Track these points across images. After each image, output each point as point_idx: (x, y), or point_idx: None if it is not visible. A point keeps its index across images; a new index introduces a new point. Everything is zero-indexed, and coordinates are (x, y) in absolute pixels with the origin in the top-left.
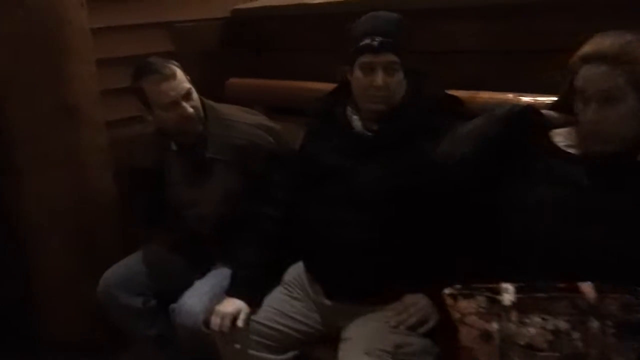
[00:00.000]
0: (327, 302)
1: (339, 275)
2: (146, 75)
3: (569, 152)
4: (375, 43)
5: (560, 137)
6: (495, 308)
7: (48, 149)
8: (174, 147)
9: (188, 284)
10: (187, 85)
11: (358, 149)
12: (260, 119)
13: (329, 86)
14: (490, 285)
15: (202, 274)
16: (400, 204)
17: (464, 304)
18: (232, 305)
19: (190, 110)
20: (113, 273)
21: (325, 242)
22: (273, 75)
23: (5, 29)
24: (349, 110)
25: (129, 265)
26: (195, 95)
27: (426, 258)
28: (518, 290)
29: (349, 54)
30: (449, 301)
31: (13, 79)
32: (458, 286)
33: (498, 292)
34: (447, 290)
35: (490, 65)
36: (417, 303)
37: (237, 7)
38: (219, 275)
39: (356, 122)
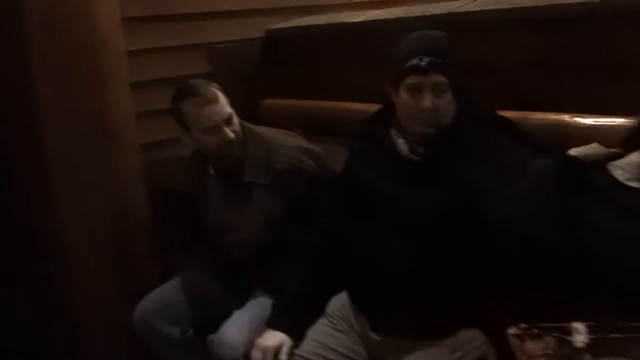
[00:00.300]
0: (374, 335)
1: (387, 308)
2: (188, 97)
3: (631, 186)
4: (423, 64)
5: (619, 170)
6: (565, 350)
7: (85, 172)
8: (211, 171)
9: (227, 313)
10: (229, 109)
11: (407, 174)
12: (300, 141)
13: (367, 107)
14: (560, 325)
15: (240, 303)
16: (453, 232)
17: (532, 346)
18: (274, 338)
19: (232, 135)
20: (150, 301)
21: (372, 272)
22: (310, 95)
23: (54, 53)
24: (393, 133)
25: (166, 293)
26: (236, 119)
27: (482, 290)
28: (591, 331)
29: (393, 74)
30: (515, 342)
31: (55, 104)
32: (523, 325)
33: (568, 332)
34: (512, 330)
35: (542, 83)
36: (473, 340)
37: (271, 27)
38: (258, 305)
39: (402, 145)
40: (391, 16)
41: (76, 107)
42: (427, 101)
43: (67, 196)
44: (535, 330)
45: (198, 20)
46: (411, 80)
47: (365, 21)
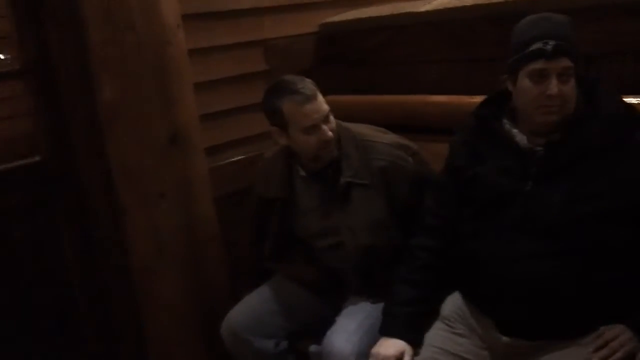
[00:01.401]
0: (504, 338)
1: (518, 311)
2: (287, 95)
3: None
4: (548, 47)
5: None
6: None
7: (152, 181)
8: (301, 172)
9: (323, 322)
10: (327, 106)
11: (534, 168)
12: (395, 137)
13: (438, 99)
14: None
15: (336, 310)
16: (591, 231)
17: None
18: (393, 346)
19: (330, 133)
20: (240, 314)
21: (500, 276)
22: (370, 90)
23: (117, 54)
24: (505, 123)
25: (255, 304)
26: (332, 117)
27: (625, 288)
28: None
29: (511, 61)
30: None
31: (118, 109)
32: None
33: None
34: None
35: None
36: (619, 336)
37: (325, 21)
38: (362, 312)
39: (519, 136)
40: (460, 4)
41: (140, 112)
42: (553, 87)
43: (135, 209)
44: None
45: (254, 16)
46: (535, 65)
47: (438, 10)
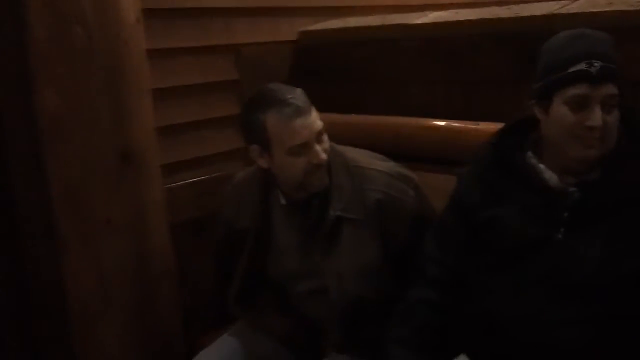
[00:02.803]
0: None
1: None
2: (273, 106)
3: None
4: (594, 70)
5: None
6: None
7: (100, 206)
8: (282, 200)
9: None
10: (321, 122)
11: (565, 213)
12: (396, 165)
13: (429, 122)
14: None
15: None
16: (633, 293)
17: None
18: None
19: (324, 155)
20: None
21: (520, 340)
22: (354, 110)
23: (62, 54)
24: (531, 157)
25: (218, 354)
26: (326, 136)
27: None
28: None
29: (544, 83)
30: None
31: (66, 119)
32: None
33: None
34: None
35: None
36: None
37: (305, 29)
38: None
39: (548, 174)
40: (462, 18)
41: (88, 123)
42: (597, 118)
43: (77, 238)
44: None
45: (225, 17)
46: (577, 90)
47: (435, 23)
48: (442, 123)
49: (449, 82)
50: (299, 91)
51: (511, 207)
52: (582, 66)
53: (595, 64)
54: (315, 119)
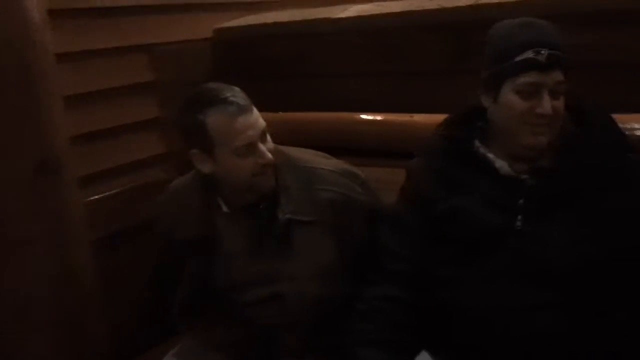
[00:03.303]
0: None
1: None
2: (214, 106)
3: None
4: (542, 58)
5: None
6: None
7: (16, 223)
8: (224, 208)
9: None
10: (263, 121)
11: (521, 201)
12: (340, 162)
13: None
14: None
15: None
16: (599, 276)
17: None
18: None
19: (270, 155)
20: None
21: (488, 331)
22: (277, 107)
23: None
24: (479, 147)
25: None
26: (269, 135)
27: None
28: None
29: (491, 72)
30: None
31: None
32: None
33: None
34: None
35: None
36: None
37: (220, 25)
38: None
39: (498, 162)
40: (386, 10)
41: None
42: (546, 105)
43: None
44: None
45: (136, 16)
46: (525, 78)
47: (360, 17)
48: (377, 117)
49: (380, 75)
50: (237, 89)
51: (469, 197)
52: (530, 54)
53: (543, 52)
54: (258, 118)
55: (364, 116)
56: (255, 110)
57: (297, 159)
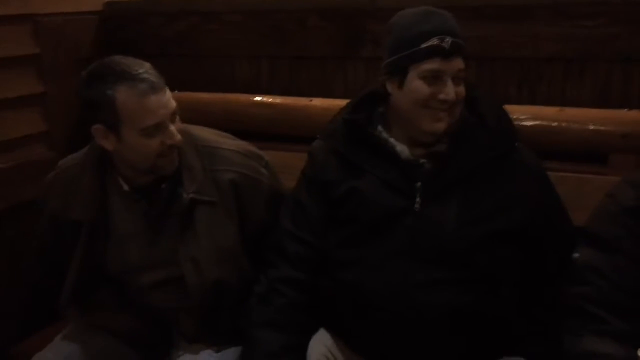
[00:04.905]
0: None
1: (408, 348)
2: (124, 81)
3: None
4: (445, 45)
5: None
6: None
7: None
8: (124, 186)
9: None
10: (174, 102)
11: (419, 184)
12: (245, 144)
13: (262, 100)
14: None
15: None
16: (493, 253)
17: None
18: None
19: (179, 136)
20: None
21: (386, 309)
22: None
23: None
24: (381, 131)
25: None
26: (178, 116)
27: (533, 323)
28: None
29: (396, 58)
30: None
31: None
32: None
33: None
34: None
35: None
36: None
37: None
38: None
39: (399, 146)
40: None
41: None
42: (450, 91)
43: None
44: None
45: None
46: (430, 65)
47: None
48: (277, 100)
49: (274, 58)
50: (148, 65)
51: (369, 179)
52: (435, 41)
53: (447, 40)
54: (170, 97)
55: (258, 98)
56: (167, 90)
57: (200, 139)
